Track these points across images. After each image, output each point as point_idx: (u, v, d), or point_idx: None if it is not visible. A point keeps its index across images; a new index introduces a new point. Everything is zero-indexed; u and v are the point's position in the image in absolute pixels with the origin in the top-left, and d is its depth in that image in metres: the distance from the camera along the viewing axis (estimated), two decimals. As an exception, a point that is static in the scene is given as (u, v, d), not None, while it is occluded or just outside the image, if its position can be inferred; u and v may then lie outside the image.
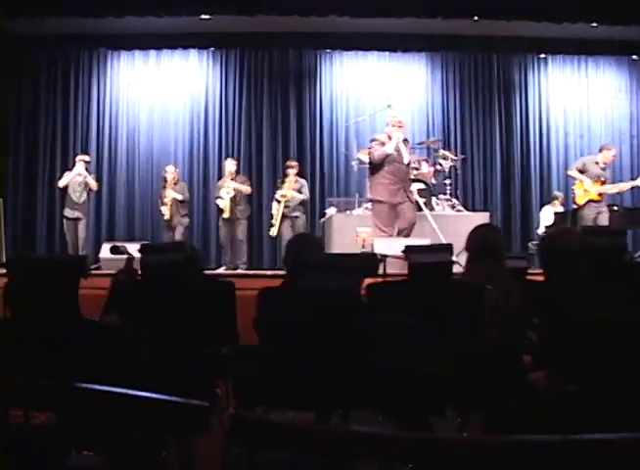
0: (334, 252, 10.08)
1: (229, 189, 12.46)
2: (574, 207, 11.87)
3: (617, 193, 12.39)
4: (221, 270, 12.63)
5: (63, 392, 2.18)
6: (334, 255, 5.18)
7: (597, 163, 11.81)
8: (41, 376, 2.38)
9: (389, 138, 10.70)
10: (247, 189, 12.77)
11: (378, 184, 10.70)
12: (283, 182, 12.64)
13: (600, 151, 12.05)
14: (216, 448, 3.17)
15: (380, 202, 10.66)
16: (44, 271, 3.29)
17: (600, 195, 11.63)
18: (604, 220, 11.55)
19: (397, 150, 10.65)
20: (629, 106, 15.79)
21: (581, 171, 11.76)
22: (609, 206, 12.03)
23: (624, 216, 12.01)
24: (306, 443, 1.87)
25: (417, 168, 12.15)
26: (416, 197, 11.38)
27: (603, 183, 11.65)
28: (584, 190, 11.67)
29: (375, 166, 10.76)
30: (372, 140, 11.13)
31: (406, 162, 10.75)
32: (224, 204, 12.51)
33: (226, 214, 12.55)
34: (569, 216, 12.12)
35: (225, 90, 15.35)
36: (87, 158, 13.09)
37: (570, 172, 12.18)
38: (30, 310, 3.29)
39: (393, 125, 10.84)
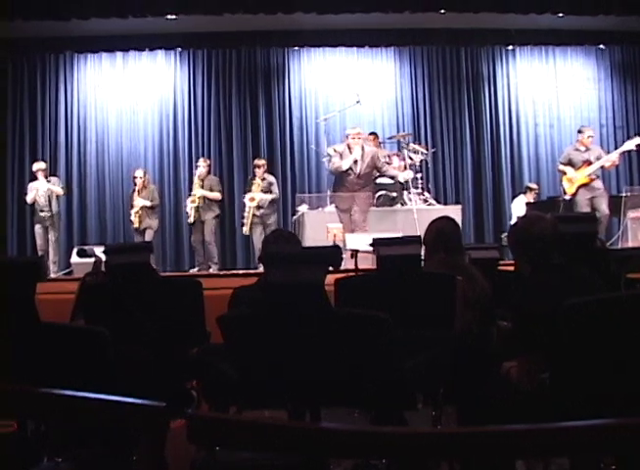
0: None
1: (194, 198, 12.40)
2: (567, 197, 11.87)
3: (604, 168, 12.32)
4: (194, 271, 12.56)
5: (23, 398, 2.12)
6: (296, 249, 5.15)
7: (577, 149, 11.89)
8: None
9: (349, 148, 11.02)
10: (216, 196, 12.60)
11: (335, 191, 11.51)
12: (252, 183, 12.52)
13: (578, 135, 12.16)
14: (189, 451, 3.12)
15: (336, 207, 11.45)
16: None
17: (588, 177, 11.65)
18: (601, 204, 11.56)
19: (355, 161, 11.07)
20: (597, 95, 15.87)
21: (568, 163, 11.82)
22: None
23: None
24: (275, 441, 1.82)
25: (388, 163, 12.17)
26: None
27: (589, 164, 11.69)
28: (569, 180, 11.74)
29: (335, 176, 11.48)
30: (334, 150, 11.52)
31: (356, 172, 11.10)
32: (190, 212, 12.55)
33: (190, 220, 12.59)
34: (559, 206, 12.03)
35: (194, 90, 15.26)
36: (43, 165, 12.74)
37: (559, 168, 12.19)
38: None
39: (353, 138, 11.05)
